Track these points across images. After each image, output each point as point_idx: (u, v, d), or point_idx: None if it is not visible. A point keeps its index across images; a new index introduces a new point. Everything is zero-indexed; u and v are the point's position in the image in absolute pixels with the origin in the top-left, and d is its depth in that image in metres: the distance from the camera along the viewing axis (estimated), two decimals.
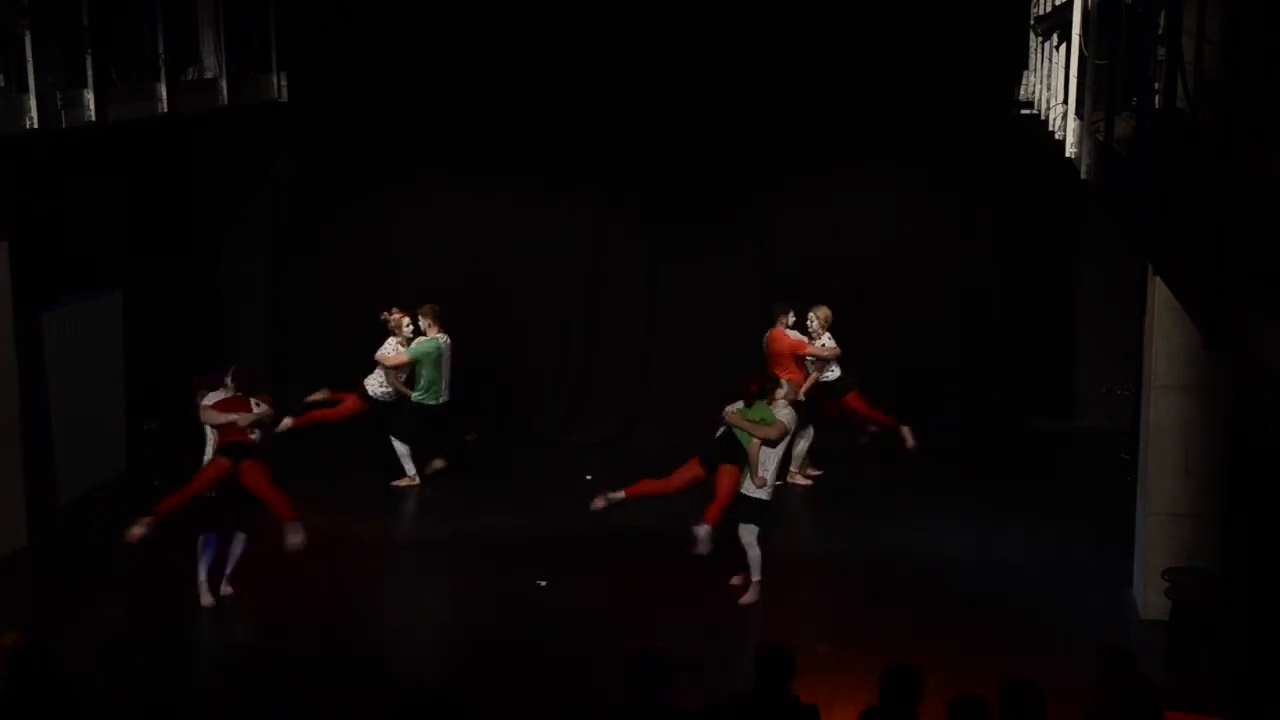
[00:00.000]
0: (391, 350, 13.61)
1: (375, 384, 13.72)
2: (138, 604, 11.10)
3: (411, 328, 13.60)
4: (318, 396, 13.78)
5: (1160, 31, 6.27)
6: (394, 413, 13.74)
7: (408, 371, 13.58)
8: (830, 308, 13.39)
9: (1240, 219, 4.50)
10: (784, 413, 11.11)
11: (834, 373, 13.47)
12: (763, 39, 14.52)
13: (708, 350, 14.81)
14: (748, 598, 10.97)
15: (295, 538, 10.98)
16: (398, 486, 13.79)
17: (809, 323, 13.36)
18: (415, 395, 13.61)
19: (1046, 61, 11.63)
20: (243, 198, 15.91)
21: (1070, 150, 9.33)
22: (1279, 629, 8.73)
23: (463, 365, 14.15)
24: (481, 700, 7.08)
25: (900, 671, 6.57)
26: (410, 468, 13.83)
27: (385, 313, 13.65)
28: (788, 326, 13.44)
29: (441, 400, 13.69)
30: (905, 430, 13.27)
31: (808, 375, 13.34)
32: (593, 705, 6.68)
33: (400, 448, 13.78)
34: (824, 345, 13.35)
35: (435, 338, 13.57)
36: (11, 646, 6.92)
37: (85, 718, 6.97)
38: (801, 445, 13.48)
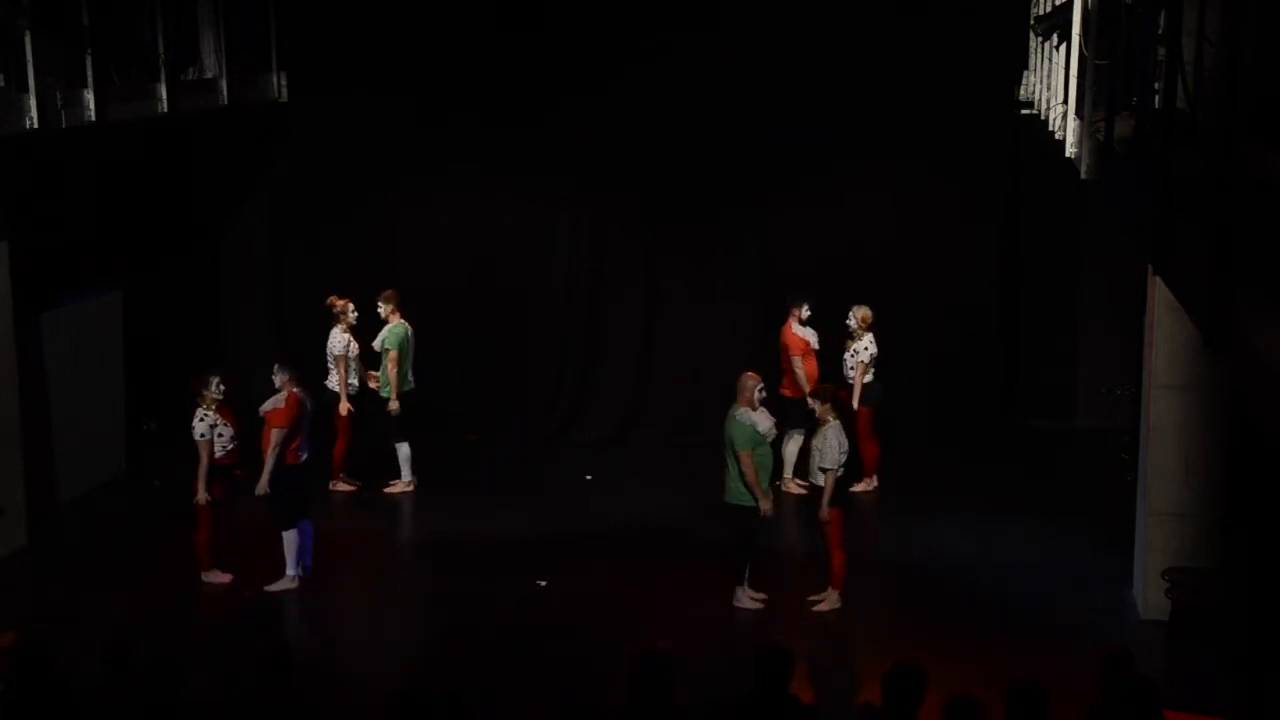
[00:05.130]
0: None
1: None
2: (138, 604, 11.09)
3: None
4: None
5: (1160, 31, 6.28)
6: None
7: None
8: (870, 307, 13.18)
9: (1240, 219, 4.50)
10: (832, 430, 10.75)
11: (869, 377, 13.20)
12: (763, 39, 14.50)
13: (707, 350, 14.79)
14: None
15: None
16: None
17: (848, 322, 13.21)
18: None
19: (1046, 61, 11.62)
20: (243, 198, 15.91)
21: (1070, 150, 9.32)
22: (1279, 629, 8.74)
23: (462, 365, 14.19)
24: (481, 700, 7.09)
25: (904, 672, 6.56)
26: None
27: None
28: (799, 321, 13.29)
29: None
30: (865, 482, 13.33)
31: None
32: (593, 705, 6.67)
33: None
34: (862, 352, 13.09)
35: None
36: (11, 646, 6.93)
37: (85, 718, 6.97)
38: (791, 447, 13.25)
